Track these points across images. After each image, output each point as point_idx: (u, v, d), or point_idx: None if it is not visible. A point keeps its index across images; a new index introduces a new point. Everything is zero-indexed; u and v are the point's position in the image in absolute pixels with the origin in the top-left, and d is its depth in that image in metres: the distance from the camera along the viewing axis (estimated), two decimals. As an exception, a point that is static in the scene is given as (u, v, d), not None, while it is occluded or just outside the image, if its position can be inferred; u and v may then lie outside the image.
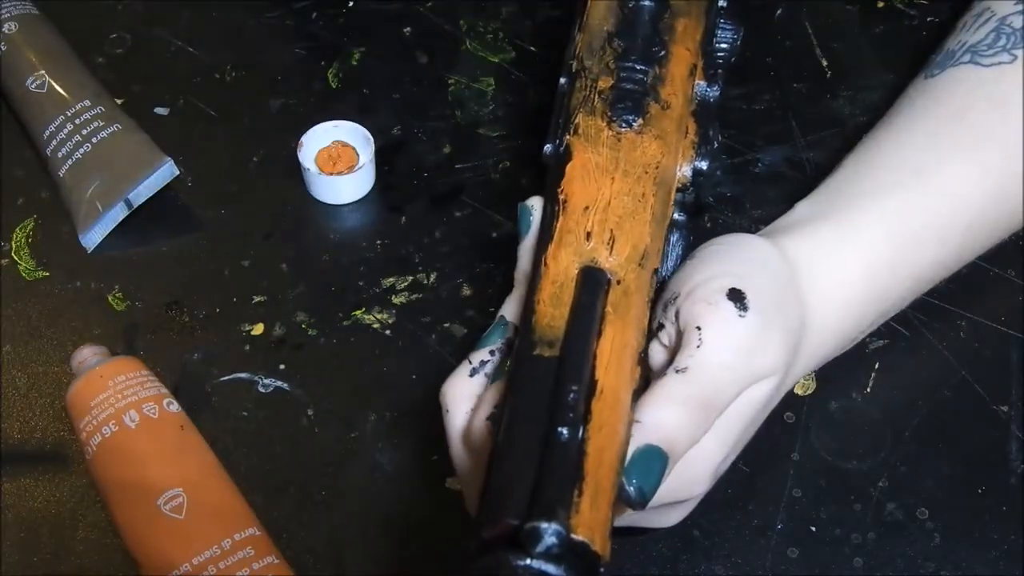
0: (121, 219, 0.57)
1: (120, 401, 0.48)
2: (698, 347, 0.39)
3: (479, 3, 0.69)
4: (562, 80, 0.47)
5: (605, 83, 0.45)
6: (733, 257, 0.43)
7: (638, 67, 0.45)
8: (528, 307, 0.38)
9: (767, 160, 0.61)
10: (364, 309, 0.55)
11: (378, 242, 0.58)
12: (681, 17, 0.47)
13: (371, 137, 0.59)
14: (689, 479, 0.40)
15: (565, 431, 0.33)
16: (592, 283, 0.38)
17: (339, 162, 0.59)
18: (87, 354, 0.50)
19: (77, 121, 0.58)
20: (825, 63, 0.65)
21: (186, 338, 0.54)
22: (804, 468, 0.50)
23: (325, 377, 0.53)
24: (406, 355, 0.54)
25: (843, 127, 0.62)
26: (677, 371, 0.39)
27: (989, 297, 0.55)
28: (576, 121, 0.44)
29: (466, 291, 0.56)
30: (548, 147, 0.45)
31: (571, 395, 0.34)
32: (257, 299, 0.56)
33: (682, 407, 0.37)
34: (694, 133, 0.46)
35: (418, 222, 0.59)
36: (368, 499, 0.49)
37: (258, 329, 0.55)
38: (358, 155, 0.60)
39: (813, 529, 0.48)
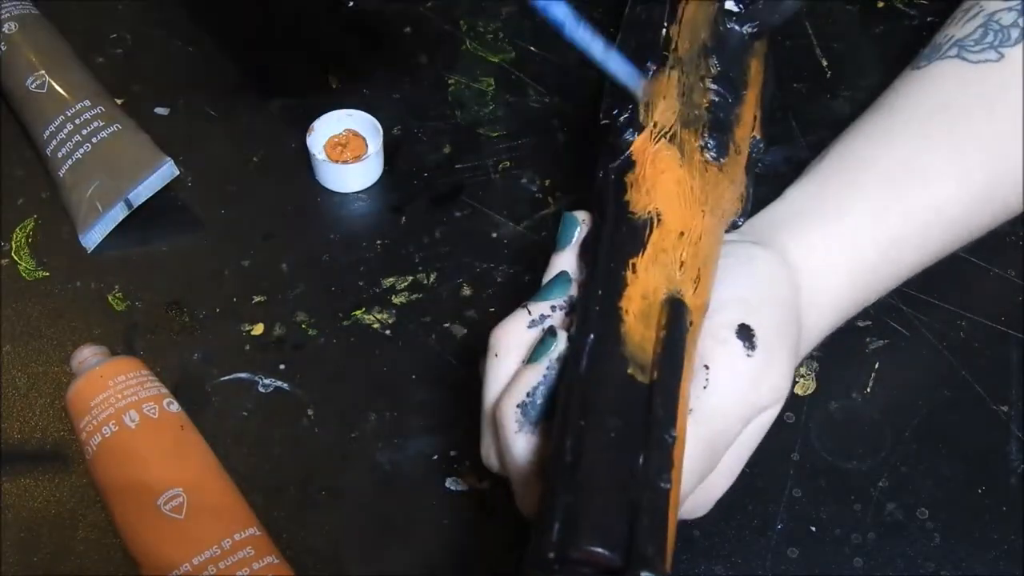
0: (121, 219, 0.57)
1: (120, 401, 0.48)
2: (704, 388, 0.38)
3: (479, 3, 0.69)
4: (650, 64, 0.45)
5: (701, 99, 0.44)
6: (742, 280, 0.41)
7: (729, 98, 0.45)
8: (613, 311, 0.37)
9: (767, 160, 0.61)
10: (364, 309, 0.55)
11: (378, 242, 0.58)
12: (755, 58, 0.47)
13: (380, 128, 0.59)
14: (691, 509, 0.40)
15: (664, 479, 0.33)
16: (680, 319, 0.37)
17: (347, 150, 0.59)
18: (87, 354, 0.50)
19: (77, 121, 0.58)
20: (825, 63, 0.65)
21: (186, 338, 0.54)
22: (804, 468, 0.50)
23: (325, 377, 0.53)
24: (406, 355, 0.54)
25: (843, 127, 0.62)
26: None
27: (989, 297, 0.55)
28: (675, 128, 0.42)
29: (466, 291, 0.56)
30: (626, 127, 0.43)
31: (669, 439, 0.34)
32: (257, 299, 0.56)
33: (690, 449, 0.36)
34: (742, 185, 0.44)
35: (418, 222, 0.59)
36: (368, 499, 0.49)
37: (258, 329, 0.55)
38: (367, 145, 0.60)
39: (813, 529, 0.48)
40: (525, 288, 0.56)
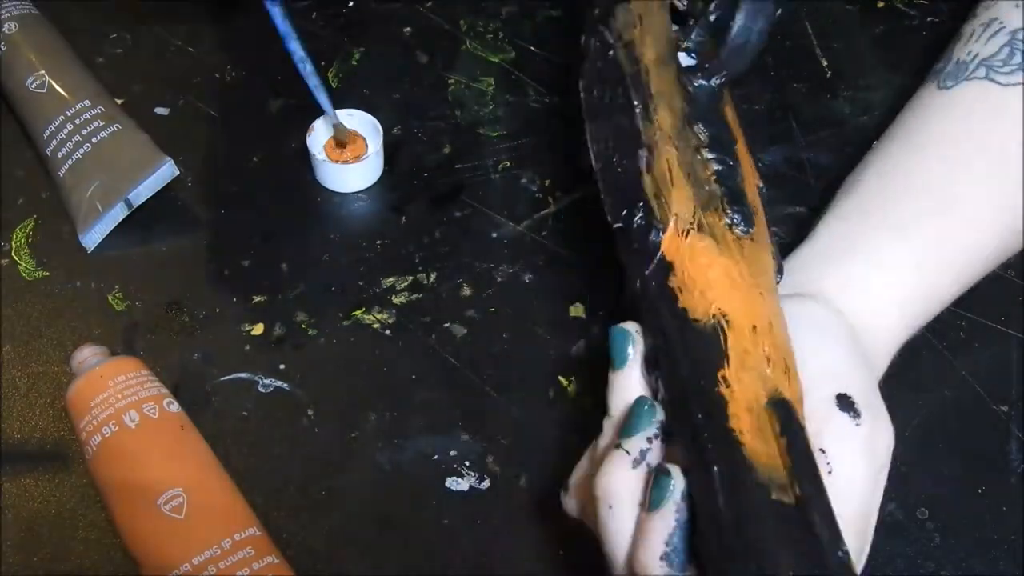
0: (121, 219, 0.57)
1: (120, 401, 0.48)
2: (830, 473, 0.36)
3: (479, 3, 0.69)
4: (641, 153, 0.42)
5: (704, 173, 0.42)
6: (817, 347, 0.39)
7: (729, 161, 0.42)
8: (726, 437, 0.34)
9: (767, 160, 0.61)
10: (364, 309, 0.55)
11: (378, 242, 0.58)
12: (727, 105, 0.45)
13: (381, 128, 0.59)
14: None
15: None
16: (792, 420, 0.35)
17: (347, 150, 0.59)
18: (87, 354, 0.50)
19: (77, 121, 0.58)
20: (825, 63, 0.65)
21: (186, 338, 0.54)
22: (804, 468, 0.50)
23: (325, 377, 0.53)
24: (406, 355, 0.54)
25: (843, 127, 0.62)
26: None
27: (989, 297, 0.55)
28: (697, 215, 0.40)
29: (466, 291, 0.56)
30: (647, 228, 0.40)
31: (843, 555, 0.32)
32: (257, 299, 0.56)
33: (847, 543, 0.34)
34: (771, 243, 0.42)
35: (418, 222, 0.59)
36: (368, 499, 0.49)
37: (258, 329, 0.55)
38: (367, 145, 0.60)
39: (813, 529, 0.48)
40: (525, 288, 0.56)
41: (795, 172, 0.60)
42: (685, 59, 0.46)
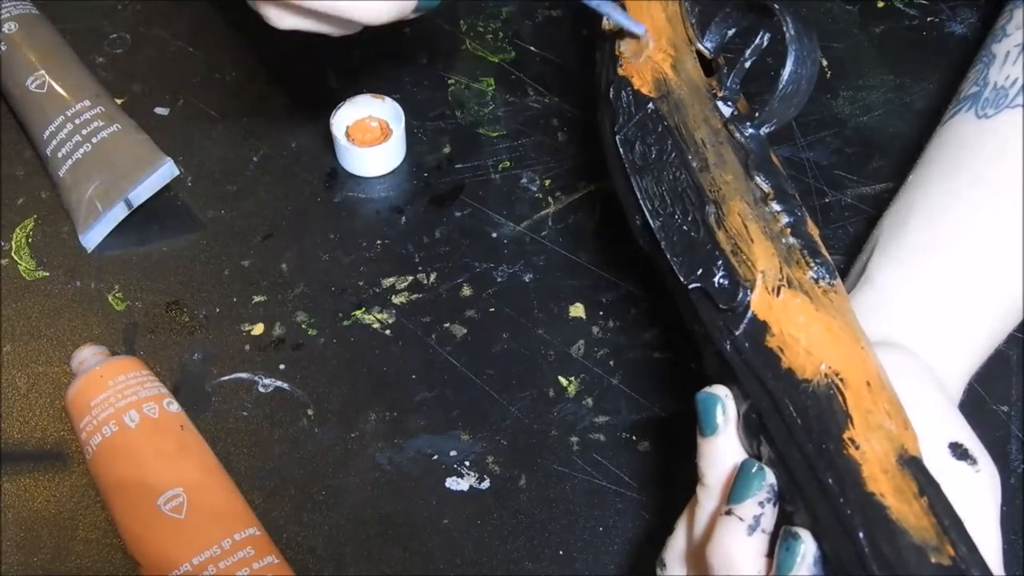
0: (121, 219, 0.57)
1: (120, 401, 0.48)
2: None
3: (479, 3, 0.69)
4: (709, 208, 0.41)
5: (777, 227, 0.40)
6: (915, 397, 0.38)
7: (797, 211, 0.41)
8: (868, 501, 0.33)
9: (767, 160, 0.61)
10: (364, 309, 0.55)
11: (378, 242, 0.58)
12: (772, 153, 0.44)
13: (403, 114, 0.60)
14: None
15: None
16: (928, 476, 0.34)
17: (369, 134, 0.60)
18: (87, 354, 0.50)
19: (77, 121, 0.58)
20: (825, 63, 0.65)
21: (186, 338, 0.54)
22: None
23: (325, 377, 0.53)
24: (406, 355, 0.54)
25: (843, 127, 0.62)
26: None
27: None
28: (784, 271, 0.39)
29: (466, 291, 0.56)
30: (734, 287, 0.39)
31: None
32: (257, 299, 0.56)
33: None
34: (844, 288, 0.41)
35: (418, 222, 0.59)
36: (368, 499, 0.49)
37: (258, 329, 0.55)
38: (391, 130, 0.60)
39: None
40: (525, 288, 0.56)
41: (795, 172, 0.60)
42: (723, 108, 0.45)
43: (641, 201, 0.44)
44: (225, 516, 0.46)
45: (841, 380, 0.36)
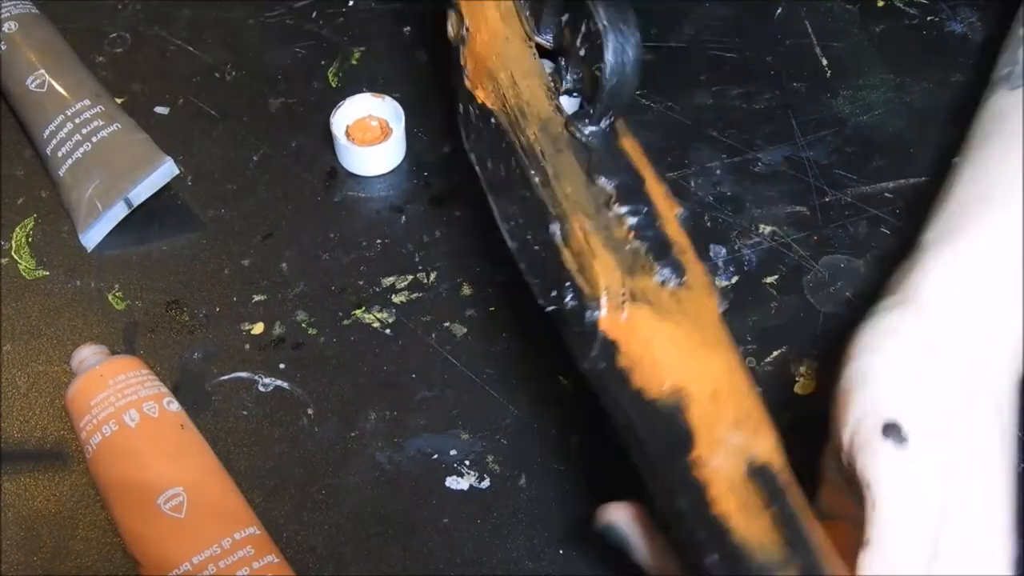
0: (121, 218, 0.57)
1: (120, 400, 0.48)
2: (873, 508, 0.35)
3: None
4: (553, 228, 0.39)
5: (620, 231, 0.39)
6: (886, 366, 0.38)
7: (643, 208, 0.39)
8: (714, 524, 0.33)
9: (767, 160, 0.61)
10: (364, 309, 0.55)
11: (378, 242, 0.58)
12: (625, 138, 0.42)
13: (403, 113, 0.60)
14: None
15: None
16: (775, 484, 0.34)
17: (367, 133, 0.60)
18: (87, 353, 0.50)
19: (77, 121, 0.58)
20: (825, 63, 0.65)
21: (186, 338, 0.54)
22: (804, 468, 0.50)
23: (325, 377, 0.53)
24: (406, 355, 0.54)
25: (843, 127, 0.62)
26: (867, 544, 0.34)
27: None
28: (626, 283, 0.37)
29: (466, 291, 0.56)
30: (580, 308, 0.37)
31: None
32: (257, 299, 0.56)
33: None
34: (706, 274, 0.39)
35: (418, 222, 0.59)
36: (368, 498, 0.49)
37: (258, 329, 0.55)
38: (391, 129, 0.60)
39: (813, 529, 0.48)
40: (525, 288, 0.56)
41: (795, 172, 0.60)
42: (570, 102, 0.43)
43: (499, 222, 0.43)
44: (225, 515, 0.46)
45: (686, 395, 0.35)
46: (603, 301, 0.37)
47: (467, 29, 0.46)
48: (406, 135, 0.61)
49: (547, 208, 0.40)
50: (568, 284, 0.38)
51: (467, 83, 0.45)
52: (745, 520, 0.33)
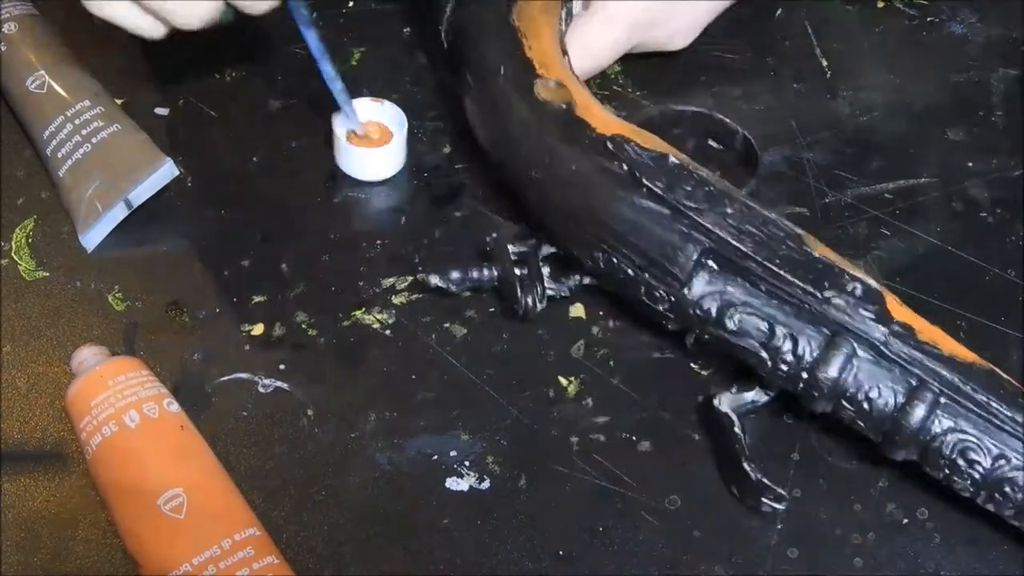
0: (121, 219, 0.57)
1: (120, 401, 0.48)
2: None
3: (479, 3, 0.69)
4: None
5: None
6: None
7: None
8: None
9: (767, 160, 0.61)
10: (364, 309, 0.55)
11: (378, 242, 0.58)
12: None
13: (406, 119, 0.60)
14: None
15: None
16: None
17: (368, 139, 0.60)
18: (87, 354, 0.50)
19: (77, 121, 0.58)
20: (825, 63, 0.65)
21: (186, 338, 0.54)
22: (804, 468, 0.50)
23: (325, 377, 0.53)
24: (406, 355, 0.54)
25: (843, 127, 0.62)
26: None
27: (989, 297, 0.55)
28: None
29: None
30: None
31: None
32: (257, 299, 0.56)
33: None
34: None
35: (418, 222, 0.59)
36: (368, 499, 0.49)
37: (258, 329, 0.55)
38: (391, 134, 0.60)
39: (813, 529, 0.48)
40: (525, 288, 0.56)
41: (795, 172, 0.60)
42: None
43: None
44: (225, 516, 0.46)
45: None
46: None
47: None
48: (407, 137, 0.61)
49: None
50: None
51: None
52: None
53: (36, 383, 0.53)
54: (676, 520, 0.48)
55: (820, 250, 0.47)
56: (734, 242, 0.46)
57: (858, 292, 0.45)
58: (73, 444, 0.50)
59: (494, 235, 0.53)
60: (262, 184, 0.61)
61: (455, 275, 0.52)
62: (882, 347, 0.45)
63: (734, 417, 0.48)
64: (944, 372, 0.44)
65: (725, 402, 0.49)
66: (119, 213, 0.57)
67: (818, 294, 0.45)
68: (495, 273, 0.52)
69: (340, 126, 0.60)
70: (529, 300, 0.51)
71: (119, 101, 0.62)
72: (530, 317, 0.52)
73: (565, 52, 0.56)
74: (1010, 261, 0.56)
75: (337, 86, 0.58)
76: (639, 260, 0.48)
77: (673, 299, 0.48)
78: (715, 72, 0.65)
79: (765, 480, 0.47)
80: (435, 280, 0.52)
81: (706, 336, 0.48)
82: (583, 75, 0.58)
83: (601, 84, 0.65)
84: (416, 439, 0.51)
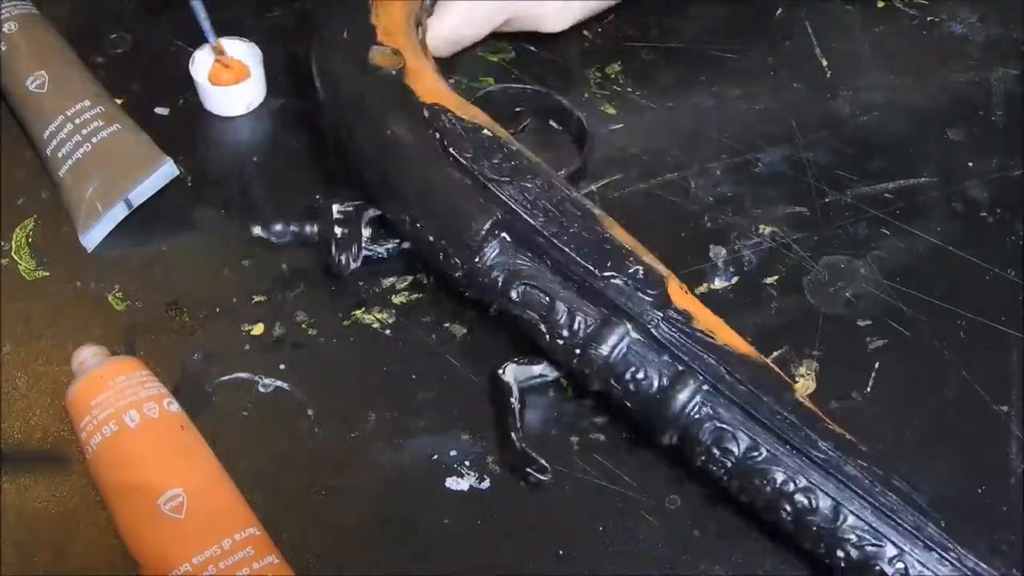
0: (121, 219, 0.57)
1: (120, 401, 0.48)
2: None
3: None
4: None
5: None
6: None
7: None
8: None
9: (767, 160, 0.61)
10: (364, 309, 0.55)
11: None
12: None
13: (260, 53, 0.63)
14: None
15: None
16: None
17: (230, 75, 0.63)
18: (87, 355, 0.50)
19: (77, 121, 0.58)
20: (825, 63, 0.65)
21: (186, 338, 0.54)
22: (804, 468, 0.50)
23: (325, 377, 0.53)
24: (406, 355, 0.54)
25: (843, 127, 0.62)
26: None
27: (989, 297, 0.55)
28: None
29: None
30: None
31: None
32: (257, 299, 0.56)
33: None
34: None
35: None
36: (368, 500, 0.49)
37: (258, 329, 0.55)
38: (249, 69, 0.63)
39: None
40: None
41: (795, 172, 0.60)
42: None
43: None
44: (225, 516, 0.46)
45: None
46: None
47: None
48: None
49: None
50: None
51: None
52: None
53: (36, 383, 0.53)
54: (676, 520, 0.48)
55: (616, 232, 0.48)
56: (526, 216, 0.48)
57: (639, 275, 0.46)
58: (73, 444, 0.50)
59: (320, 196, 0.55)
60: (262, 184, 0.61)
61: (277, 227, 0.54)
62: (654, 330, 0.46)
63: (514, 388, 0.49)
64: (711, 360, 0.45)
65: (510, 372, 0.50)
66: (119, 213, 0.57)
67: (598, 272, 0.46)
68: (315, 229, 0.54)
69: (199, 73, 0.62)
70: (343, 258, 0.53)
71: (119, 101, 0.62)
72: (343, 275, 0.54)
73: (420, 24, 0.58)
74: (1010, 261, 0.56)
75: (202, 15, 0.61)
76: (437, 226, 0.49)
77: (466, 267, 0.49)
78: (715, 72, 0.65)
79: (529, 452, 0.48)
80: (257, 231, 0.54)
81: (494, 307, 0.50)
82: (445, 49, 0.62)
83: (601, 84, 0.65)
84: (416, 439, 0.51)
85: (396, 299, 0.56)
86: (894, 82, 0.64)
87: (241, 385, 0.53)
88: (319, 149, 0.62)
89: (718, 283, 0.56)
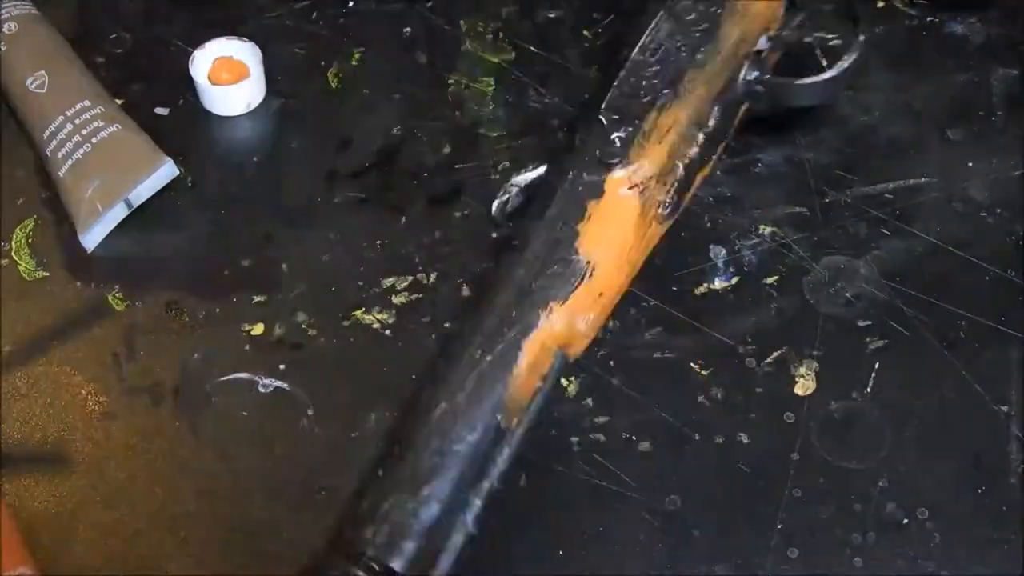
0: (121, 219, 0.57)
1: None
2: None
3: (479, 3, 0.69)
4: (661, 89, 0.46)
5: (685, 150, 0.49)
6: None
7: (705, 156, 0.46)
8: (514, 346, 0.42)
9: (767, 160, 0.61)
10: (364, 309, 0.55)
11: (378, 242, 0.58)
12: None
13: (260, 52, 0.63)
14: None
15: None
16: (557, 376, 0.45)
17: (228, 74, 0.63)
18: None
19: (77, 121, 0.58)
20: (825, 63, 0.65)
21: (186, 338, 0.54)
22: (804, 468, 0.50)
23: (325, 377, 0.53)
24: (406, 355, 0.54)
25: (843, 127, 0.62)
26: None
27: (989, 297, 0.55)
28: (650, 182, 0.44)
29: (466, 291, 0.56)
30: (614, 150, 0.44)
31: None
32: (257, 299, 0.56)
33: None
34: None
35: (418, 222, 0.59)
36: (368, 499, 0.49)
37: (258, 329, 0.55)
38: (248, 69, 0.63)
39: (813, 529, 0.48)
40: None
41: (795, 172, 0.60)
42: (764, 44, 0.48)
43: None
44: None
45: (592, 272, 0.44)
46: (631, 167, 0.45)
47: None
48: (406, 136, 0.61)
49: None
50: (631, 128, 0.45)
51: None
52: (527, 373, 0.43)
53: (36, 383, 0.53)
54: (676, 520, 0.48)
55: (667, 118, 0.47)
56: None
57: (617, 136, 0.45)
58: (73, 444, 0.50)
59: None
60: (262, 184, 0.61)
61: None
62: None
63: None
64: None
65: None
66: (119, 213, 0.57)
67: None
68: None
69: (199, 73, 0.62)
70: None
71: (119, 101, 0.62)
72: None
73: None
74: (1010, 261, 0.56)
75: None
76: None
77: None
78: (715, 72, 0.65)
79: (494, 214, 0.47)
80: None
81: None
82: None
83: (601, 84, 0.65)
84: (416, 439, 0.51)
85: (396, 299, 0.56)
86: (894, 82, 0.64)
87: (241, 385, 0.53)
88: (319, 149, 0.62)
89: (718, 283, 0.56)
